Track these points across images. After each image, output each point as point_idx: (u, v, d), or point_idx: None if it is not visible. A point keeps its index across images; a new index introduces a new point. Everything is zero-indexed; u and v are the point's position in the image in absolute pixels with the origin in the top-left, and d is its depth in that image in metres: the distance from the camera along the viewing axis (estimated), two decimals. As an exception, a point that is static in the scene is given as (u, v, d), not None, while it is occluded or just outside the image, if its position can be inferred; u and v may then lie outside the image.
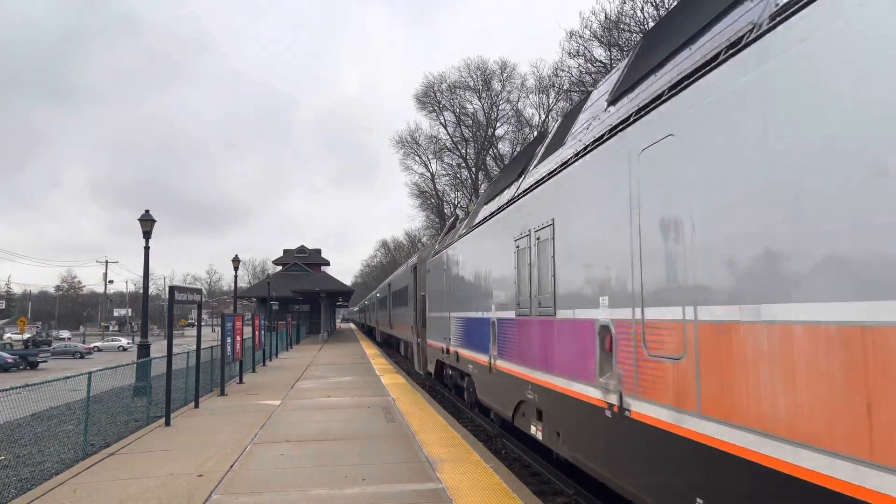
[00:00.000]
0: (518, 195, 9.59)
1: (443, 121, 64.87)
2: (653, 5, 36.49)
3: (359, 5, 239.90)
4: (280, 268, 69.20)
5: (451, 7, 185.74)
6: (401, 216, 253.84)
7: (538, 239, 8.28)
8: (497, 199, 11.59)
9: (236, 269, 43.14)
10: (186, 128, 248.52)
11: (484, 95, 62.10)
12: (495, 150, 63.34)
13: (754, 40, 4.09)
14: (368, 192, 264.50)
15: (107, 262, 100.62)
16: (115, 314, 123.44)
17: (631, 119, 5.77)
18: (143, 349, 20.11)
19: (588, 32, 40.91)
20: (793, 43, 3.71)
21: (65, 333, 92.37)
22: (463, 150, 65.08)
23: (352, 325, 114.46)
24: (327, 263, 73.12)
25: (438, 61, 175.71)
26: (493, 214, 11.22)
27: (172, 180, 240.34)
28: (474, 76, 61.64)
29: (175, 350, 14.44)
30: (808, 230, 3.54)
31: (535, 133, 57.48)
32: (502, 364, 10.33)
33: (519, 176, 10.41)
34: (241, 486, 7.97)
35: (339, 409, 14.09)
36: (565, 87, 47.95)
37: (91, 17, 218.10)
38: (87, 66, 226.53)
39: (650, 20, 36.95)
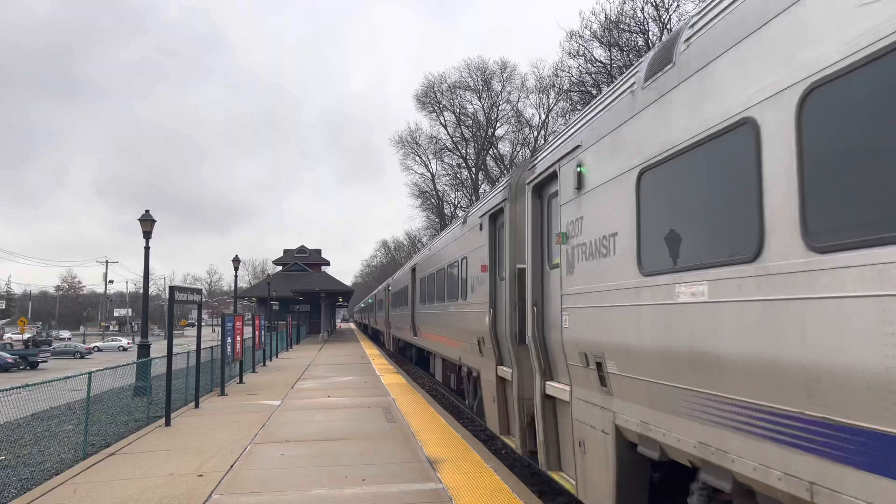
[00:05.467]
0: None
1: (443, 121, 64.94)
2: (653, 5, 36.49)
3: (372, 3, 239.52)
4: (280, 268, 69.19)
5: (469, 5, 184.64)
6: (402, 216, 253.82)
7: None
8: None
9: (236, 269, 43.16)
10: (189, 126, 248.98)
11: (484, 95, 62.15)
12: (495, 151, 63.39)
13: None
14: (370, 191, 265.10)
15: (107, 262, 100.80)
16: (116, 314, 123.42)
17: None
18: (144, 349, 20.10)
19: (588, 33, 40.92)
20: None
21: (65, 333, 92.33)
22: (463, 150, 65.11)
23: (352, 325, 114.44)
24: (327, 263, 73.15)
25: (450, 61, 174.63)
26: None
27: (173, 179, 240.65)
28: (474, 76, 61.70)
29: (175, 350, 14.44)
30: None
31: (536, 133, 57.52)
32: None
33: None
34: (241, 487, 7.97)
35: (339, 409, 14.09)
36: (565, 88, 47.94)
37: (98, 13, 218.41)
38: (90, 62, 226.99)
39: (650, 20, 36.94)
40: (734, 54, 3.91)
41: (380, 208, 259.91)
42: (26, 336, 60.44)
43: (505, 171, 56.45)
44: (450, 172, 67.94)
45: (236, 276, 44.99)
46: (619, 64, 38.31)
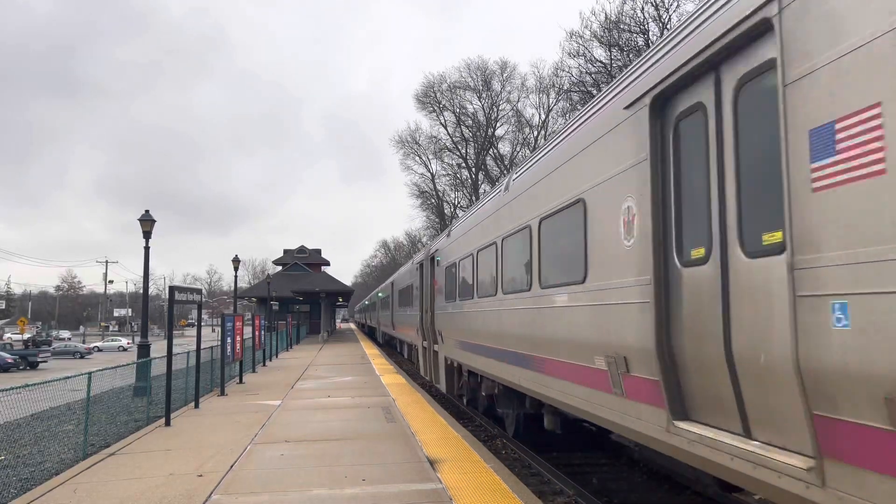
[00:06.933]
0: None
1: (443, 121, 64.95)
2: (653, 5, 36.50)
3: (372, 2, 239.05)
4: (280, 268, 69.14)
5: (470, 5, 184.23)
6: (402, 216, 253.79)
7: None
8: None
9: (236, 269, 43.15)
10: (190, 125, 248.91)
11: (484, 95, 62.17)
12: (495, 150, 63.38)
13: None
14: (370, 191, 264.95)
15: (107, 261, 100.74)
16: (115, 314, 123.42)
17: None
18: (143, 349, 20.10)
19: (588, 33, 40.94)
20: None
21: (65, 333, 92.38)
22: (463, 150, 65.11)
23: (352, 325, 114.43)
24: (327, 263, 73.12)
25: (450, 61, 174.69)
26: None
27: (174, 179, 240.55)
28: (474, 76, 61.73)
29: (175, 350, 14.43)
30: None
31: (536, 133, 57.52)
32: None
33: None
34: (241, 487, 7.97)
35: (339, 409, 14.09)
36: (565, 87, 47.96)
37: (99, 12, 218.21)
38: (91, 61, 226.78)
39: (650, 20, 36.95)
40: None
41: (380, 208, 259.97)
42: (26, 336, 60.47)
43: (505, 171, 56.46)
44: (450, 172, 68.02)
45: (236, 276, 45.00)
46: (619, 64, 38.31)
